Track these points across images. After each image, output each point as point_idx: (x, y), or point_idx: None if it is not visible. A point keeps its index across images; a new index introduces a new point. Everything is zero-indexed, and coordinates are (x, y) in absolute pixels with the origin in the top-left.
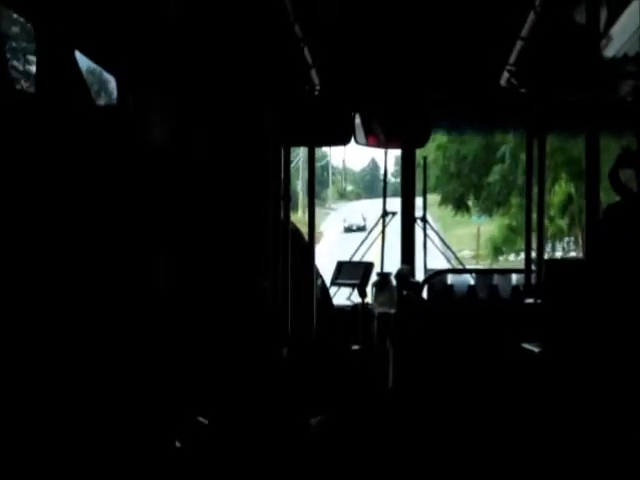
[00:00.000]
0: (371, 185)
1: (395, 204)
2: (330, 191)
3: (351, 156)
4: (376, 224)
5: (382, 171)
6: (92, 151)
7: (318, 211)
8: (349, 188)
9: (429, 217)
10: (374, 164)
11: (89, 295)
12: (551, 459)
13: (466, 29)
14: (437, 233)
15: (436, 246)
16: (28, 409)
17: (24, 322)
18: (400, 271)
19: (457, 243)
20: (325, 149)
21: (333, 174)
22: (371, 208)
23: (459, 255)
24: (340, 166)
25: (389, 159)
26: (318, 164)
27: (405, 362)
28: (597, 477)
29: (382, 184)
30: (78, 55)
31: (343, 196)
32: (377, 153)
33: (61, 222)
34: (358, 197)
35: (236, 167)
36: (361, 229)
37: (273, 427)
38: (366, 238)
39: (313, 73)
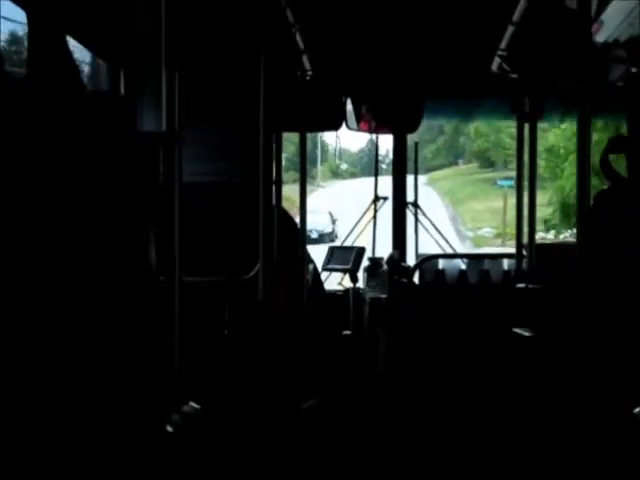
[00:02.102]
0: (369, 166)
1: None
2: (320, 169)
3: (348, 136)
4: (367, 209)
5: (380, 151)
6: (84, 138)
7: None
8: (343, 166)
9: (434, 192)
10: (372, 144)
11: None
12: (542, 443)
13: (457, 14)
14: (430, 221)
15: (438, 231)
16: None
17: None
18: (391, 256)
19: (473, 220)
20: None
21: (326, 151)
22: (367, 187)
23: (478, 234)
24: (333, 143)
25: (387, 140)
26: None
27: (396, 347)
28: (589, 462)
29: (378, 163)
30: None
31: (336, 174)
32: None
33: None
34: (353, 176)
35: (228, 152)
36: (323, 239)
37: (264, 412)
38: (358, 222)
39: (305, 58)
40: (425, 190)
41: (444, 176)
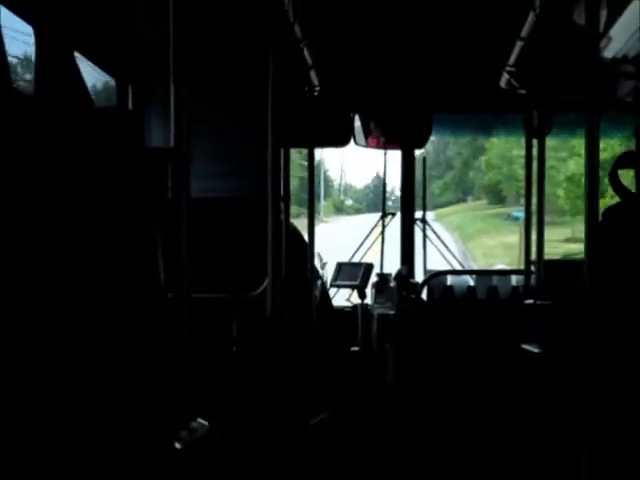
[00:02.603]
0: (374, 202)
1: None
2: (323, 204)
3: (353, 172)
4: (376, 225)
5: (387, 188)
6: (92, 154)
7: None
8: (348, 202)
9: (442, 227)
10: (379, 180)
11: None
12: (550, 459)
13: (466, 30)
14: (438, 237)
15: (446, 247)
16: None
17: None
18: (400, 272)
19: (486, 256)
20: (320, 157)
21: (330, 186)
22: (369, 222)
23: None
24: (338, 179)
25: (393, 177)
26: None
27: (405, 363)
28: (595, 477)
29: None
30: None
31: (340, 210)
32: (382, 168)
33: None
34: (358, 212)
35: (235, 168)
36: None
37: (273, 428)
38: (366, 238)
39: (313, 74)
40: (433, 226)
41: (453, 212)
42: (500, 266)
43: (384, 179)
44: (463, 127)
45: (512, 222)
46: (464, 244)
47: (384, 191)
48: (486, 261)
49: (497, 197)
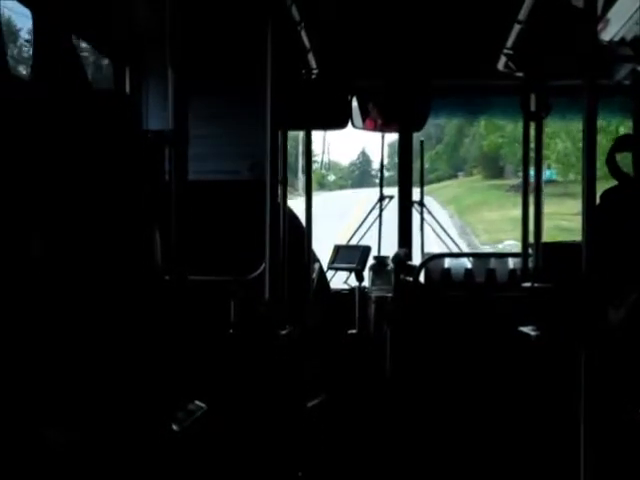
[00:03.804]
0: (359, 180)
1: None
2: (302, 178)
3: (338, 149)
4: (373, 208)
5: (373, 165)
6: (89, 137)
7: None
8: (330, 178)
9: (435, 202)
10: (364, 157)
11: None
12: (549, 444)
13: (464, 12)
14: (436, 219)
15: (443, 230)
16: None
17: None
18: (397, 255)
19: (488, 232)
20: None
21: (314, 161)
22: (351, 199)
23: (500, 248)
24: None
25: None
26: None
27: (402, 346)
28: (595, 463)
29: (371, 177)
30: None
31: (323, 186)
32: (368, 144)
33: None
34: (342, 188)
35: (233, 150)
36: None
37: (271, 410)
38: (363, 221)
39: (310, 57)
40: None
41: (445, 185)
42: (509, 242)
43: (381, 162)
44: (460, 109)
45: (512, 196)
46: (461, 218)
47: (382, 174)
48: (489, 237)
49: (494, 169)
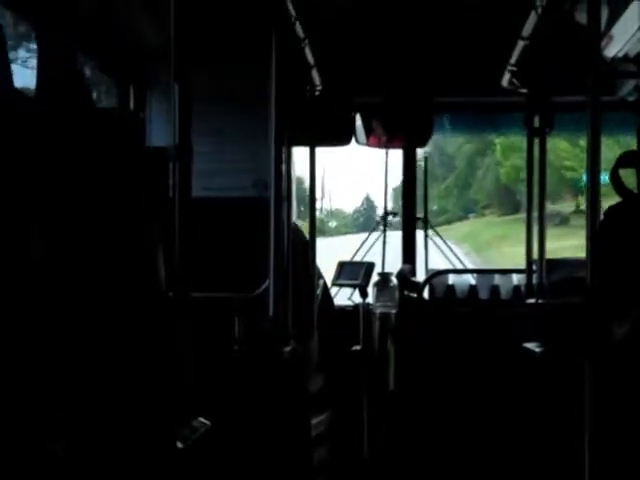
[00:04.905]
0: (364, 226)
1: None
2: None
3: (341, 195)
4: (377, 224)
5: (378, 211)
6: (92, 154)
7: None
8: (332, 224)
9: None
10: (369, 203)
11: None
12: (555, 461)
13: (468, 29)
14: (440, 235)
15: (448, 246)
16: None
17: None
18: (401, 271)
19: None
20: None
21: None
22: (351, 246)
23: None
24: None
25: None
26: None
27: (406, 362)
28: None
29: (375, 223)
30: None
31: (323, 232)
32: (372, 190)
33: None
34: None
35: (238, 167)
36: None
37: (275, 427)
38: (367, 239)
39: (314, 73)
40: (437, 241)
41: (458, 225)
42: None
43: (385, 178)
44: (464, 126)
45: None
46: (479, 255)
47: (386, 190)
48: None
49: (509, 205)
